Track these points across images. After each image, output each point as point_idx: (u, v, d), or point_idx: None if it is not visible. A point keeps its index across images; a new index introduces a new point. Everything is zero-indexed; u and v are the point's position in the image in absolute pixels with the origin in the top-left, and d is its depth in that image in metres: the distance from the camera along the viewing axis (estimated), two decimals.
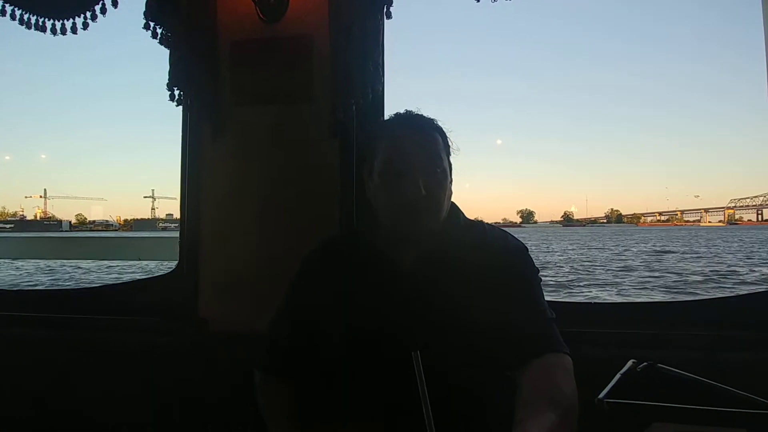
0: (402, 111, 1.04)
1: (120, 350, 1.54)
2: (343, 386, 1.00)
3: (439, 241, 1.00)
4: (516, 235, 1.05)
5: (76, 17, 1.50)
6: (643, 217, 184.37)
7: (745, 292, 1.43)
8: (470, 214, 1.09)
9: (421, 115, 1.02)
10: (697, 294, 12.61)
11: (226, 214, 1.55)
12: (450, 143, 1.03)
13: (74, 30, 1.52)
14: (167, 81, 1.49)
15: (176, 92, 1.50)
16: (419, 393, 0.68)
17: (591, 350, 1.02)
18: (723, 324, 1.31)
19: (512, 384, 0.89)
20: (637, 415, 0.76)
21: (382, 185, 0.99)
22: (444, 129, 1.02)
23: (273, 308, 1.11)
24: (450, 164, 1.02)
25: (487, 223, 1.11)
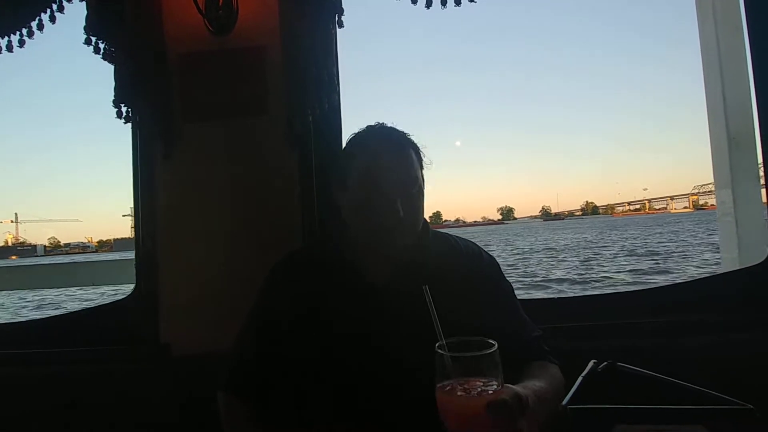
0: (375, 124, 1.02)
1: (78, 381, 1.46)
2: (313, 402, 0.97)
3: (412, 253, 0.99)
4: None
5: (11, 35, 1.43)
6: (615, 208, 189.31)
7: (699, 277, 1.50)
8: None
9: (396, 130, 1.00)
10: None
11: (183, 232, 1.50)
12: (423, 156, 1.01)
13: (9, 48, 1.46)
14: (113, 98, 1.43)
15: (123, 109, 1.45)
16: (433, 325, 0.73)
17: (557, 345, 1.02)
18: (682, 309, 1.37)
19: None
20: (600, 418, 0.75)
21: (358, 204, 0.97)
22: (417, 143, 1.01)
23: (238, 327, 1.06)
24: (423, 178, 1.00)
25: (458, 236, 1.10)
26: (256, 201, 1.48)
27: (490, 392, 0.63)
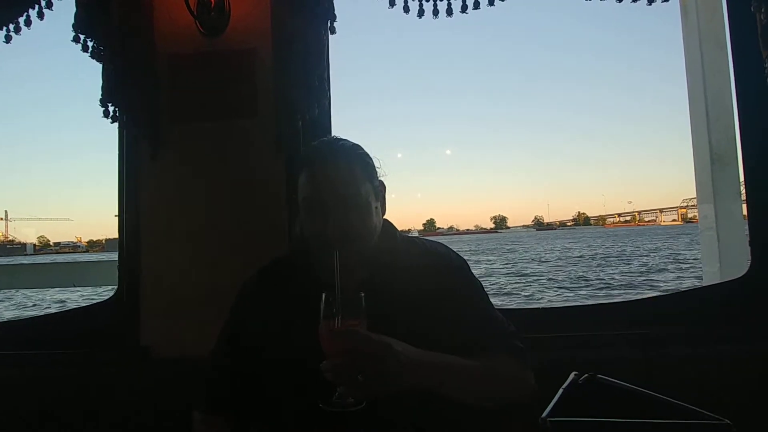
0: (329, 137, 1.03)
1: (57, 383, 1.43)
2: (287, 411, 0.96)
3: (375, 267, 0.98)
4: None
5: None
6: (606, 219, 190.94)
7: (673, 291, 1.54)
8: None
9: (342, 144, 0.98)
10: None
11: (167, 235, 1.48)
12: (376, 165, 1.00)
13: None
14: (100, 96, 1.42)
15: (110, 108, 1.43)
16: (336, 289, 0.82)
17: (537, 355, 1.01)
18: (663, 322, 1.38)
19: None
20: (580, 431, 0.75)
21: (305, 219, 0.97)
22: (366, 154, 0.99)
23: (219, 331, 1.05)
24: (375, 188, 0.99)
25: (427, 239, 1.09)
26: (243, 204, 1.47)
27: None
